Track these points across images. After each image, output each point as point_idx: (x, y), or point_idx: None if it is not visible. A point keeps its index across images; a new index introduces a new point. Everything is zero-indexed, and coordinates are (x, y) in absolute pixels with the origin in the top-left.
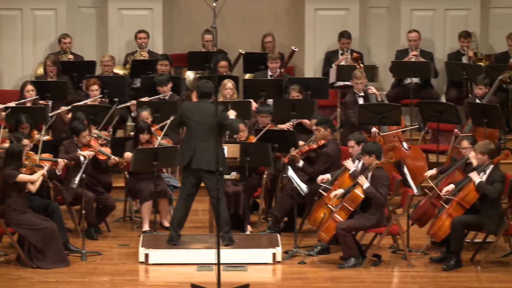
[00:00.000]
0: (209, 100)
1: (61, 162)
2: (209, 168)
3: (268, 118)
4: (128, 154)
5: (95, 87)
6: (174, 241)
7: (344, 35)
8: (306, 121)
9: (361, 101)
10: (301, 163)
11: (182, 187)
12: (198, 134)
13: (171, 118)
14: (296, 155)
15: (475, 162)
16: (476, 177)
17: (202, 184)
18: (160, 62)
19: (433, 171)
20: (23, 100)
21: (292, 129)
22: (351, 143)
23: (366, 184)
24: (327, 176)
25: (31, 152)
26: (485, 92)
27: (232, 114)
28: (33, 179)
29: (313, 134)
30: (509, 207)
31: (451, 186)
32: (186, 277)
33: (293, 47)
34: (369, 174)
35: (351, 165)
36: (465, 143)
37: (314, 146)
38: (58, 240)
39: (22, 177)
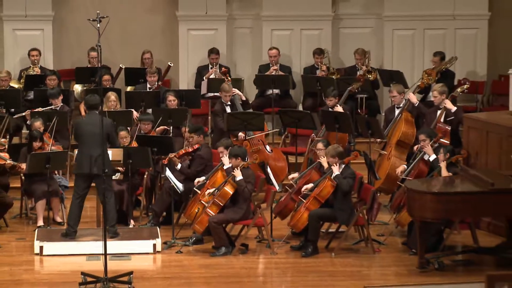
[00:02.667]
0: (97, 111)
1: None
2: (98, 172)
3: (149, 125)
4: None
5: None
6: (71, 236)
7: (213, 51)
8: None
9: (228, 109)
10: (179, 166)
11: (76, 189)
12: (92, 143)
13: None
14: (174, 158)
15: (325, 165)
16: (336, 170)
17: (93, 184)
18: (48, 77)
19: (295, 175)
20: None
21: (169, 133)
22: (220, 149)
23: (239, 176)
24: (202, 178)
25: None
26: (335, 103)
27: None
28: None
29: (187, 140)
30: (358, 201)
31: (310, 185)
32: (77, 266)
33: (169, 63)
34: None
35: (227, 161)
36: (319, 146)
37: (190, 150)
38: None
39: None
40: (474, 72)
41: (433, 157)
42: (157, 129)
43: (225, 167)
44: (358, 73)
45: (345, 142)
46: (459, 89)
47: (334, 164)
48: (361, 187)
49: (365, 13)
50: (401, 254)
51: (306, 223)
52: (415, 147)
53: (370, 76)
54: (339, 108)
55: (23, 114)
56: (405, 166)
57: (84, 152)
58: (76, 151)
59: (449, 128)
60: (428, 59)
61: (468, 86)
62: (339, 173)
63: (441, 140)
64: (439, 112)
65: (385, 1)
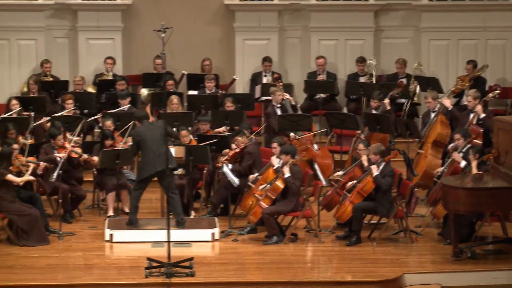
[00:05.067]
0: (148, 120)
1: (42, 165)
2: (164, 167)
3: (207, 125)
4: (96, 158)
5: (70, 101)
6: (134, 224)
7: (267, 59)
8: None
9: (278, 111)
10: (230, 166)
11: (138, 184)
12: (153, 146)
13: (130, 124)
14: (225, 162)
15: (365, 163)
16: (375, 170)
17: (155, 178)
18: (118, 82)
19: (339, 172)
20: (10, 112)
21: (226, 133)
22: (274, 144)
23: (287, 174)
24: (255, 175)
25: (20, 154)
26: (378, 105)
27: None
28: (18, 181)
29: (234, 143)
30: (397, 195)
31: (351, 183)
32: (143, 252)
33: (234, 76)
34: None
35: (276, 161)
36: (360, 146)
37: (238, 150)
38: (40, 223)
39: (10, 177)
40: (504, 79)
41: (463, 163)
42: (216, 129)
43: (274, 168)
44: (399, 80)
45: (387, 142)
46: (490, 95)
47: (375, 166)
48: (400, 182)
49: (404, 25)
50: (436, 243)
51: (350, 215)
52: (449, 146)
53: (416, 98)
54: (386, 102)
55: (96, 117)
56: (439, 169)
57: (147, 156)
58: None
59: (481, 130)
60: (462, 67)
61: (499, 91)
62: (378, 173)
63: (474, 140)
64: (471, 115)
65: (423, 14)
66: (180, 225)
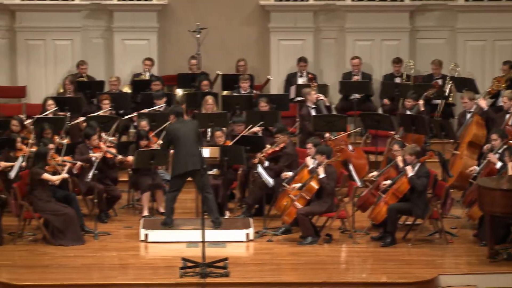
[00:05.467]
0: (183, 117)
1: (78, 164)
2: (198, 168)
3: (242, 126)
4: (131, 158)
5: (107, 101)
6: (169, 225)
7: (302, 60)
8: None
9: (313, 112)
10: (266, 163)
11: (172, 185)
12: (187, 143)
13: (165, 124)
14: (261, 158)
15: (401, 164)
16: (410, 171)
17: (189, 179)
18: (153, 83)
19: (374, 173)
20: (46, 112)
21: (260, 133)
22: (309, 145)
23: (322, 174)
24: (290, 173)
25: (56, 154)
26: (412, 105)
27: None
28: (54, 180)
29: (274, 140)
30: (433, 196)
31: (388, 182)
32: (178, 252)
33: (268, 76)
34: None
35: (311, 162)
36: (395, 147)
37: (276, 149)
38: (76, 223)
39: (46, 176)
40: None
41: (499, 164)
42: (251, 130)
43: (309, 168)
44: (434, 81)
45: (422, 143)
46: None
47: (410, 167)
48: (435, 184)
49: (440, 26)
50: (472, 245)
51: (385, 216)
52: (485, 147)
53: (450, 98)
54: (421, 103)
55: (131, 116)
56: (476, 168)
57: (181, 153)
58: None
59: None
60: (498, 68)
61: None
62: (413, 174)
63: (510, 142)
64: (507, 116)
65: (458, 15)
66: (216, 225)
